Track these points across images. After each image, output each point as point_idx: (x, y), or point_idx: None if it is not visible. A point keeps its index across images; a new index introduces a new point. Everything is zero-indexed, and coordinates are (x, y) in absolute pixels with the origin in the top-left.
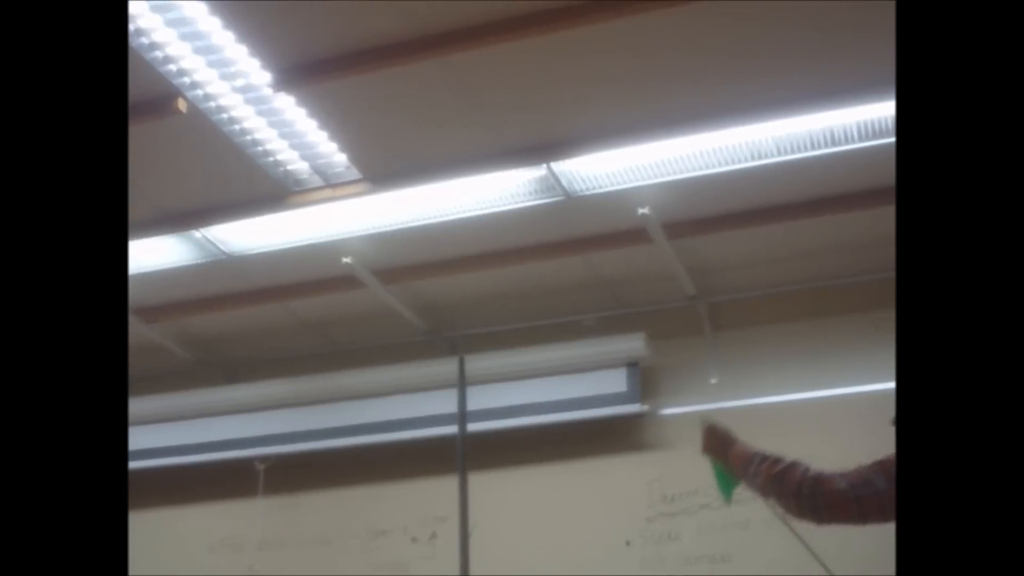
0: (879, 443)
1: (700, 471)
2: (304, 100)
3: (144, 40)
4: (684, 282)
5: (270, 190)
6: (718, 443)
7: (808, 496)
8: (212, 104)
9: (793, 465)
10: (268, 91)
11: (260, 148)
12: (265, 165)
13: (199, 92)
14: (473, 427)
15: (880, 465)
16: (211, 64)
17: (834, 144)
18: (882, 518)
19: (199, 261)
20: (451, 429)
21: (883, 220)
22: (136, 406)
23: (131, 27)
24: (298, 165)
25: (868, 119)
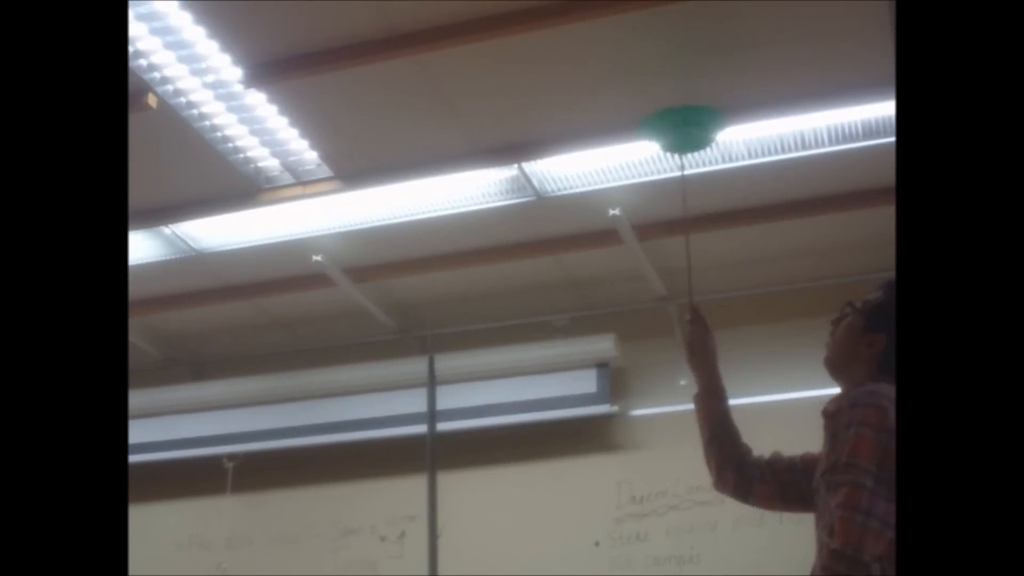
0: None
1: (670, 472)
2: (275, 97)
3: None
4: (655, 283)
5: (240, 187)
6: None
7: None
8: (182, 100)
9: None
10: (239, 87)
11: (230, 145)
12: (235, 162)
13: (169, 88)
14: (443, 426)
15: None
16: (182, 60)
17: (804, 148)
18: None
19: (168, 257)
20: (421, 428)
21: (853, 224)
22: None
23: None
24: (269, 162)
25: (840, 123)
